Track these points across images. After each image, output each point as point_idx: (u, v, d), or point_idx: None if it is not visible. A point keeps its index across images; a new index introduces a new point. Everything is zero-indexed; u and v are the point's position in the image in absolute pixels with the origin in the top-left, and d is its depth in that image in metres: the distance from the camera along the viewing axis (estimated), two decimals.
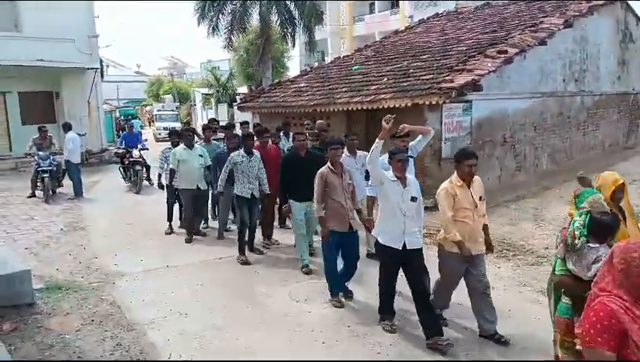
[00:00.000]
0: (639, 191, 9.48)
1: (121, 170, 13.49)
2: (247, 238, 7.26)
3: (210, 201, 9.04)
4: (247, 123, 10.95)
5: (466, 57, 10.51)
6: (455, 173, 4.63)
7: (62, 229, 9.05)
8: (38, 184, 11.74)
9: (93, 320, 5.20)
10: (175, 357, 4.49)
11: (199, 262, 7.18)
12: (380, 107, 9.96)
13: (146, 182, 12.98)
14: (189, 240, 8.11)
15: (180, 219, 8.82)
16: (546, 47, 11.05)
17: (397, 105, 9.59)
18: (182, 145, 8.28)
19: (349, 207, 5.52)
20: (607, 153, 13.60)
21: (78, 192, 12.02)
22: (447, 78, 9.49)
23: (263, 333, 4.90)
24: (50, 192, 11.65)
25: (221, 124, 12.06)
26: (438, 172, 9.20)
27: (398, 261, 4.72)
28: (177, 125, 28.59)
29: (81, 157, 12.86)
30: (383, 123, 4.79)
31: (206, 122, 11.86)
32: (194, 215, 8.33)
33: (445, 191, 4.55)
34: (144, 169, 12.98)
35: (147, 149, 13.73)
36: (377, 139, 4.77)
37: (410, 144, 6.11)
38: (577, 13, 12.14)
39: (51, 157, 11.65)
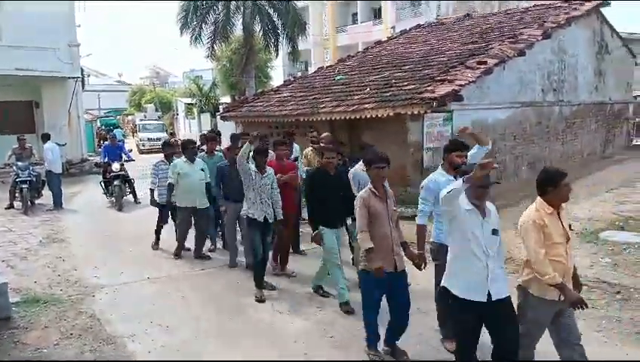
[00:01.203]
0: (616, 200, 9.67)
1: (102, 184, 12.57)
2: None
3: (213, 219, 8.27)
4: (247, 135, 10.22)
5: (447, 68, 10.65)
6: (539, 198, 3.73)
7: (40, 241, 8.90)
8: (17, 195, 11.54)
9: (72, 334, 5.10)
10: None
11: (181, 273, 7.10)
12: (363, 117, 10.04)
13: (129, 198, 12.31)
14: (177, 255, 7.70)
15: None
16: (525, 58, 11.24)
17: (379, 115, 9.68)
18: (182, 158, 7.63)
19: (394, 240, 4.42)
20: (586, 162, 13.83)
21: (57, 203, 11.85)
22: (428, 88, 9.61)
23: (246, 345, 4.86)
24: (29, 203, 11.45)
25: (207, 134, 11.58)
26: (420, 182, 9.25)
27: (481, 317, 3.62)
28: (163, 135, 27.51)
29: (62, 168, 12.69)
30: (477, 172, 3.29)
31: (204, 132, 10.96)
32: (198, 236, 7.70)
33: (533, 223, 3.63)
34: (126, 184, 12.20)
35: (133, 160, 13.24)
36: (462, 182, 3.38)
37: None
38: (555, 25, 12.38)
39: (30, 168, 11.47)
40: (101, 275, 6.98)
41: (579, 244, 7.35)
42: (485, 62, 10.41)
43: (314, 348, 4.75)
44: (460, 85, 9.50)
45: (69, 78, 17.95)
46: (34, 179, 11.59)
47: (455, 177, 4.27)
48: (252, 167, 6.13)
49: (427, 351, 4.59)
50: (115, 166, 11.94)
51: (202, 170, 7.58)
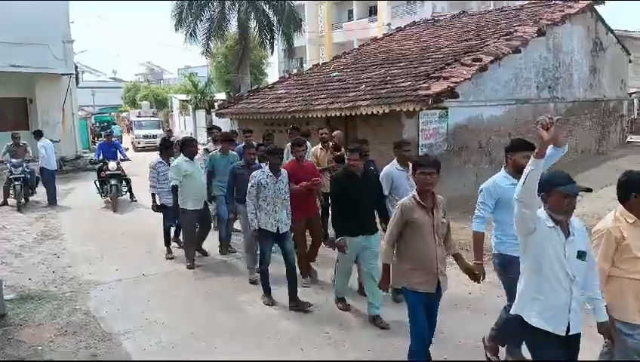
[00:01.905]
0: (611, 196, 9.71)
1: (97, 184, 11.86)
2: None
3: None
4: (250, 131, 8.95)
5: (443, 65, 10.65)
6: (620, 205, 3.28)
7: (35, 238, 8.86)
8: (11, 192, 11.47)
9: (66, 331, 5.09)
10: None
11: (176, 270, 7.09)
12: (358, 113, 10.04)
13: (125, 198, 11.85)
14: (190, 267, 7.08)
15: (176, 239, 8.10)
16: (520, 55, 11.28)
17: (375, 112, 9.68)
18: (183, 157, 7.07)
19: (439, 258, 3.84)
20: (580, 159, 13.88)
21: (52, 200, 11.81)
22: (423, 85, 9.60)
23: (241, 341, 4.86)
24: (23, 200, 11.40)
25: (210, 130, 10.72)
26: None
27: (560, 352, 3.02)
28: (159, 132, 27.14)
29: (56, 165, 12.64)
30: (541, 131, 2.88)
31: (229, 130, 9.95)
32: (202, 231, 7.42)
33: (607, 233, 3.20)
34: (122, 183, 11.68)
35: (129, 160, 12.66)
36: (533, 158, 2.83)
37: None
38: (550, 22, 12.41)
39: (24, 165, 11.38)
40: (96, 272, 6.97)
41: None
42: (480, 60, 10.42)
43: (309, 345, 4.75)
44: (456, 82, 9.51)
45: (62, 74, 17.85)
46: (28, 176, 11.50)
47: None
48: (264, 172, 5.64)
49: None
50: (112, 165, 11.41)
51: (200, 168, 7.42)
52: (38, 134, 12.24)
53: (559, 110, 13.23)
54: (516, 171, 3.85)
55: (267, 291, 5.78)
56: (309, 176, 6.11)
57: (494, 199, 4.07)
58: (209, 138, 9.04)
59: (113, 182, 11.25)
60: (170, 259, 7.57)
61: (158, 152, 8.04)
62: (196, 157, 7.36)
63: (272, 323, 5.28)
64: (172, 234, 7.98)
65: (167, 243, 7.79)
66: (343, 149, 7.30)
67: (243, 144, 8.21)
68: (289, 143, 7.98)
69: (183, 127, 32.21)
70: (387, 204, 5.40)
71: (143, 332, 5.10)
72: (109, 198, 11.44)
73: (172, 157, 7.85)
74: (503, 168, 4.21)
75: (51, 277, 6.78)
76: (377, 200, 5.23)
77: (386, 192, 5.49)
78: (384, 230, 4.93)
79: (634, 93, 20.69)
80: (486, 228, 4.19)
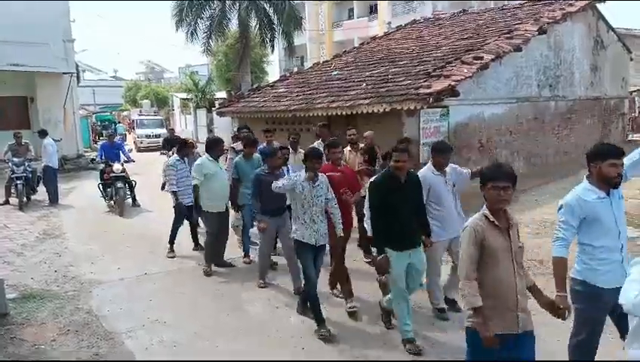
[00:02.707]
0: None
1: (101, 187, 11.30)
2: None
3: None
4: (270, 131, 8.17)
5: (443, 63, 10.64)
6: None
7: (37, 237, 8.88)
8: (12, 191, 11.47)
9: (69, 330, 5.10)
10: None
11: (178, 269, 7.10)
12: (359, 112, 10.04)
13: (127, 201, 11.23)
14: (209, 273, 6.74)
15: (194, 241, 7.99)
16: (521, 53, 11.26)
17: (375, 111, 9.68)
18: (207, 156, 6.82)
19: (519, 290, 3.09)
20: (582, 158, 13.86)
21: (54, 199, 11.83)
22: (424, 83, 9.60)
23: (243, 340, 4.87)
24: (25, 199, 11.39)
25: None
26: None
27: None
28: (162, 132, 26.48)
29: (58, 163, 12.66)
30: None
31: (244, 131, 8.77)
32: (218, 242, 6.99)
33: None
34: (126, 186, 11.10)
35: (133, 161, 11.99)
36: None
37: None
38: (551, 20, 12.39)
39: (26, 164, 11.37)
40: (98, 271, 6.98)
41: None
42: (481, 58, 10.41)
43: (311, 343, 4.76)
44: (456, 80, 9.50)
45: (63, 73, 17.86)
46: (29, 175, 11.49)
47: (608, 194, 3.41)
48: (300, 176, 5.04)
49: None
50: (117, 167, 10.89)
51: (226, 169, 7.21)
52: (43, 133, 12.23)
53: (560, 108, 13.23)
54: (603, 182, 3.41)
55: (320, 320, 4.89)
56: (349, 183, 5.49)
57: (578, 218, 3.42)
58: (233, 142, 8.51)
59: (119, 185, 10.73)
60: (172, 257, 7.55)
61: (176, 151, 8.02)
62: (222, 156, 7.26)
63: (274, 322, 5.28)
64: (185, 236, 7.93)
65: (172, 241, 7.72)
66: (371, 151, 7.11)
67: (264, 144, 7.67)
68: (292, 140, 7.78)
69: (184, 125, 32.21)
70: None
71: (145, 331, 5.11)
72: (112, 202, 10.97)
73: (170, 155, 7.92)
74: (585, 178, 3.55)
75: (53, 276, 6.79)
76: (419, 209, 4.72)
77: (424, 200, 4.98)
78: (425, 244, 4.69)
79: (635, 91, 20.64)
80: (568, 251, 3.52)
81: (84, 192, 13.61)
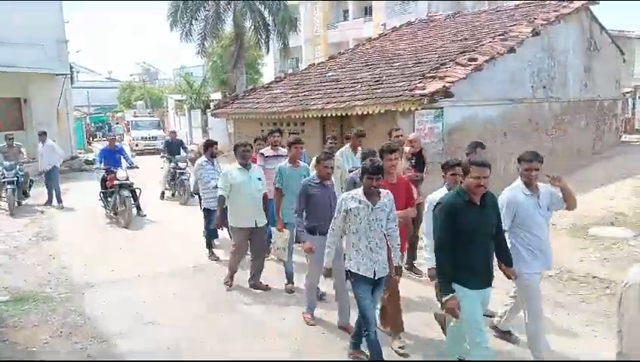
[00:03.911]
0: (605, 196, 9.76)
1: (102, 196, 10.31)
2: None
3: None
4: (279, 131, 7.43)
5: (438, 65, 10.67)
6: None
7: (30, 239, 8.82)
8: (3, 195, 11.18)
9: (62, 332, 5.08)
10: None
11: (172, 270, 7.07)
12: (354, 113, 10.05)
13: (133, 211, 10.06)
14: (228, 285, 6.23)
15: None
16: (515, 55, 11.29)
17: (370, 112, 9.69)
18: (237, 164, 6.09)
19: None
20: (575, 159, 13.92)
21: (59, 200, 11.58)
22: (419, 85, 9.61)
23: (237, 342, 4.85)
24: (16, 204, 10.99)
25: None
26: None
27: None
28: (159, 133, 26.46)
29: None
30: None
31: (293, 135, 7.88)
32: (255, 260, 6.24)
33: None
34: (131, 194, 9.98)
35: (136, 167, 11.16)
36: None
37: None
38: (545, 22, 12.44)
39: (17, 167, 11.05)
40: (91, 273, 6.94)
41: (568, 239, 7.42)
42: (476, 59, 10.44)
43: (305, 345, 4.75)
44: (451, 82, 9.52)
45: (57, 74, 17.77)
46: (21, 179, 11.17)
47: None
48: (354, 197, 4.06)
49: None
50: (121, 174, 9.92)
51: (259, 178, 6.08)
52: (45, 134, 11.92)
53: (554, 109, 13.27)
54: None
55: None
56: (404, 198, 4.67)
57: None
58: (259, 145, 7.48)
59: (125, 193, 9.70)
60: (215, 260, 7.40)
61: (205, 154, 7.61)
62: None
63: (267, 323, 5.27)
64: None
65: (209, 245, 7.59)
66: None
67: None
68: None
69: (178, 127, 32.15)
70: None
71: (138, 333, 5.08)
72: (113, 213, 10.01)
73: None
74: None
75: (46, 278, 6.76)
76: (496, 236, 3.83)
77: (506, 227, 4.05)
78: (509, 276, 3.95)
79: (628, 92, 20.76)
80: None
81: (77, 194, 13.48)
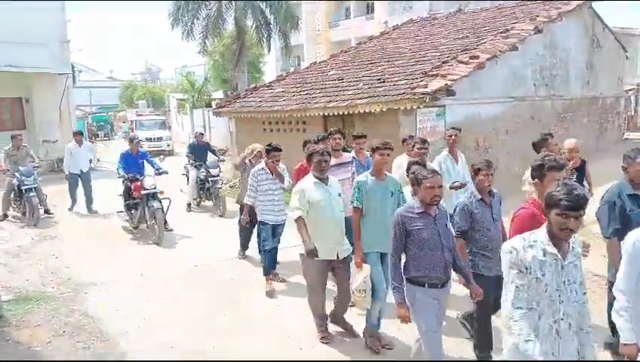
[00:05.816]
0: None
1: (125, 208, 9.12)
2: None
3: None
4: (340, 132, 6.27)
5: (440, 63, 10.64)
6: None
7: (33, 239, 8.84)
8: (13, 204, 10.26)
9: (64, 332, 5.08)
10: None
11: (175, 270, 7.07)
12: (356, 112, 10.04)
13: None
14: (326, 339, 4.77)
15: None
16: (517, 53, 11.25)
17: (372, 110, 9.67)
18: (312, 177, 4.66)
19: None
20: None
21: (89, 207, 10.95)
22: (421, 83, 9.59)
23: (241, 340, 4.86)
24: (42, 212, 10.03)
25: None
26: None
27: None
28: (165, 134, 25.60)
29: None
30: None
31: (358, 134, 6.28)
32: (341, 296, 4.81)
33: None
34: (161, 205, 8.57)
35: (166, 173, 9.16)
36: None
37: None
38: (547, 19, 12.40)
39: (35, 173, 9.93)
40: (94, 272, 6.95)
41: None
42: (478, 57, 10.41)
43: (309, 343, 4.75)
44: (453, 80, 9.50)
45: (59, 74, 17.78)
46: (39, 186, 10.05)
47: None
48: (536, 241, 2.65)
49: None
50: (149, 181, 8.55)
51: (339, 194, 4.75)
52: (80, 135, 11.37)
53: (556, 107, 13.24)
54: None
55: None
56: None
57: None
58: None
59: (156, 205, 8.38)
60: (271, 290, 6.06)
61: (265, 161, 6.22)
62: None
63: (272, 321, 5.27)
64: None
65: (268, 270, 6.13)
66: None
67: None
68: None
69: (181, 126, 32.16)
70: None
71: (140, 332, 5.09)
72: (136, 227, 8.99)
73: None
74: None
75: (49, 277, 6.77)
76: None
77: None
78: None
79: (631, 90, 20.69)
80: None
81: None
